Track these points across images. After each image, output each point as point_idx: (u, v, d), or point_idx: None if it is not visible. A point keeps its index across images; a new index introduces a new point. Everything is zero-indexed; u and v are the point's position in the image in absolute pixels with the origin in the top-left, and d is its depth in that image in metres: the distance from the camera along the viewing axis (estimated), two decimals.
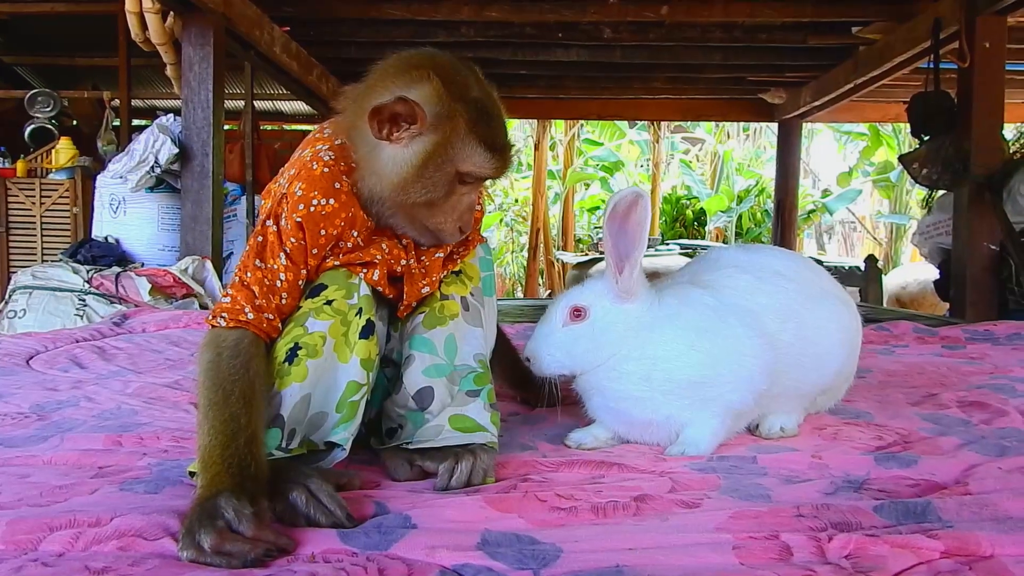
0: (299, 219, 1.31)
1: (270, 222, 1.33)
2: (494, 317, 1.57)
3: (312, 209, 1.31)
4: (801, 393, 1.63)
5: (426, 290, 1.46)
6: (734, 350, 1.49)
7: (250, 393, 1.20)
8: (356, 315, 1.33)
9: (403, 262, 1.42)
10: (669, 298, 1.54)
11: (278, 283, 1.30)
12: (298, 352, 1.28)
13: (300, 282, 1.34)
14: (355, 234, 1.37)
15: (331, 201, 1.32)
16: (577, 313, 1.52)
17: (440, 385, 1.39)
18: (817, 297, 1.63)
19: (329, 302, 1.32)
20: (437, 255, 1.46)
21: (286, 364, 1.27)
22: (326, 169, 1.34)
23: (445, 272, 1.49)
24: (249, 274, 1.30)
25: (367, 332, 1.33)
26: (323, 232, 1.33)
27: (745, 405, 1.53)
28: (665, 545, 1.02)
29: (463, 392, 1.41)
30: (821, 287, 1.67)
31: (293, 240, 1.31)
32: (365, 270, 1.38)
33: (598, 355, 1.50)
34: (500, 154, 1.33)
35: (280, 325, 1.31)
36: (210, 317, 1.29)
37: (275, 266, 1.31)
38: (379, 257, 1.39)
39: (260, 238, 1.33)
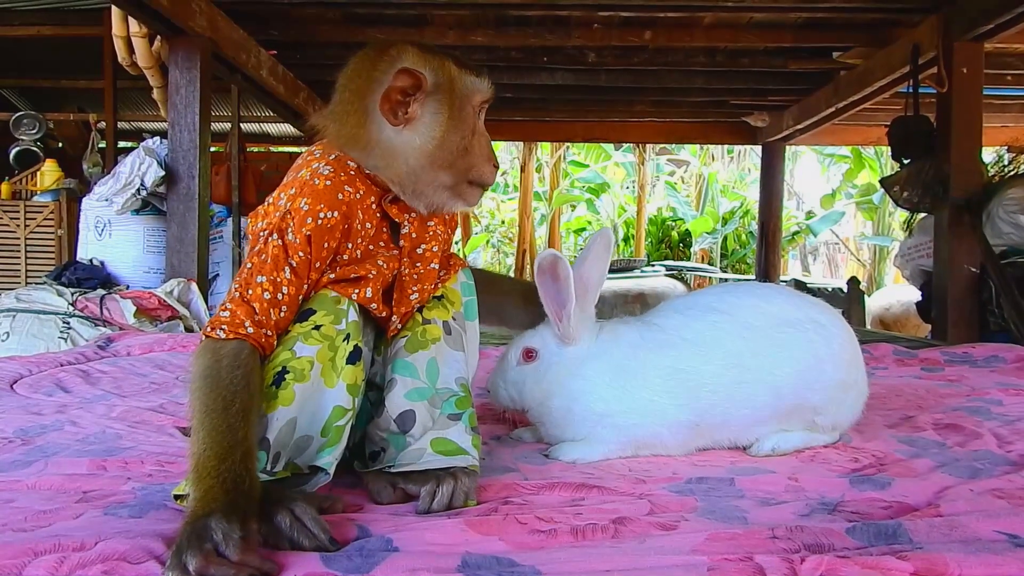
0: (308, 232, 1.33)
1: (275, 236, 1.33)
2: (476, 341, 1.60)
3: (320, 222, 1.34)
4: (774, 415, 1.66)
5: (415, 297, 1.49)
6: (646, 386, 1.61)
7: (249, 407, 1.20)
8: (344, 341, 1.35)
9: (395, 271, 1.45)
10: (605, 335, 1.69)
11: (280, 296, 1.31)
12: (286, 376, 1.29)
13: (300, 296, 1.36)
14: (350, 246, 1.40)
15: (335, 214, 1.36)
16: (529, 354, 1.70)
17: (422, 408, 1.41)
18: (778, 326, 1.66)
19: (317, 327, 1.34)
20: (432, 266, 1.51)
21: (273, 388, 1.28)
22: (328, 182, 1.37)
23: (435, 287, 1.53)
24: (251, 291, 1.30)
25: (354, 358, 1.35)
26: (326, 245, 1.36)
27: (657, 437, 1.64)
28: (642, 567, 1.04)
29: (445, 415, 1.43)
30: (782, 318, 1.68)
31: (301, 254, 1.33)
32: (357, 289, 1.40)
33: (540, 393, 1.69)
34: (485, 74, 1.48)
35: (276, 342, 1.32)
36: (208, 329, 1.28)
37: (279, 279, 1.31)
38: (373, 272, 1.41)
39: (263, 255, 1.33)
